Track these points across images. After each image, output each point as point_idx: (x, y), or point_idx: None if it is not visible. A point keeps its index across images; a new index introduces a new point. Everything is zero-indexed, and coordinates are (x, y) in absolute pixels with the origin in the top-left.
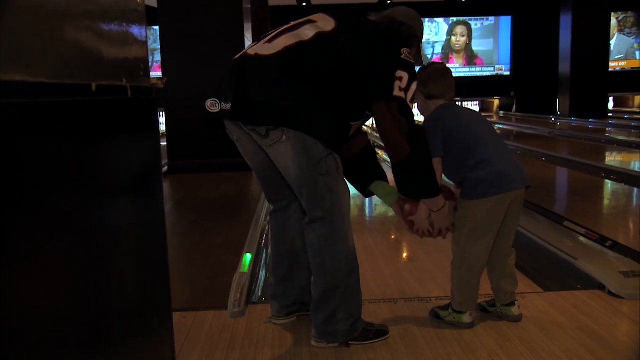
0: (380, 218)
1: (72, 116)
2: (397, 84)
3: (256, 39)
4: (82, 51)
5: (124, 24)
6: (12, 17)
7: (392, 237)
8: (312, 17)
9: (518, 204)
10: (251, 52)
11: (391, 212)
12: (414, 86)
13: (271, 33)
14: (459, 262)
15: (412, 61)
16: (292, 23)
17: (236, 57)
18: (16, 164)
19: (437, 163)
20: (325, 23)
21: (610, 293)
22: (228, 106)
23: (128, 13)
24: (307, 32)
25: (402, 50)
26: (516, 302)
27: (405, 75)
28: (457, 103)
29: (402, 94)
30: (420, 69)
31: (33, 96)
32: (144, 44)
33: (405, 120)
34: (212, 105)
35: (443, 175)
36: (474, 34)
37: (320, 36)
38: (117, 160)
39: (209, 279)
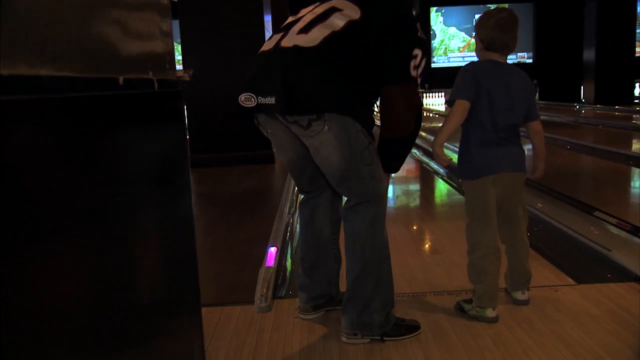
0: (403, 209)
1: (99, 110)
2: (412, 62)
3: (278, 29)
4: (108, 43)
5: (150, 16)
6: (37, 8)
7: (415, 227)
8: (335, 4)
9: (514, 188)
10: (288, 44)
11: (414, 203)
12: (424, 62)
13: (298, 22)
14: (472, 248)
15: (425, 38)
16: (316, 10)
17: (266, 49)
18: (42, 160)
19: (462, 106)
20: (352, 11)
21: None
22: (266, 100)
23: (154, 4)
24: (338, 22)
25: (417, 27)
26: (520, 289)
27: (419, 53)
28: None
29: (415, 73)
30: (486, 12)
31: (60, 91)
32: (169, 36)
33: (414, 100)
34: (247, 100)
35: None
36: None
37: (351, 25)
38: (144, 154)
39: (235, 274)
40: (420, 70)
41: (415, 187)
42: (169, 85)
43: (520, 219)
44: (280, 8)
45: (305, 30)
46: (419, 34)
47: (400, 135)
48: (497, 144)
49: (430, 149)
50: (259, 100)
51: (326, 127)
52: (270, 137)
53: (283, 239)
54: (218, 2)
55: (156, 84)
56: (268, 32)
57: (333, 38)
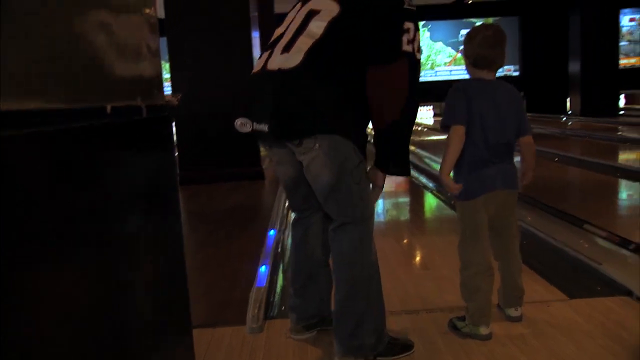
0: (393, 223)
1: (87, 141)
2: (405, 37)
3: (266, 45)
4: (96, 70)
5: (138, 39)
6: (22, 40)
7: (405, 241)
8: (312, 6)
9: (506, 206)
10: (273, 66)
11: (404, 216)
12: (418, 35)
13: (282, 37)
14: (464, 266)
15: (415, 8)
16: (297, 19)
17: (256, 71)
18: (32, 194)
19: (459, 131)
20: (329, 8)
21: (638, 299)
22: (260, 127)
23: (141, 27)
24: (317, 29)
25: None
26: (513, 305)
27: (411, 26)
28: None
29: (410, 48)
30: (473, 29)
31: (48, 124)
32: (157, 57)
33: (407, 82)
34: (242, 125)
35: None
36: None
37: (331, 26)
38: (133, 180)
39: (226, 292)
40: (416, 44)
41: (404, 200)
42: (158, 110)
43: (512, 236)
44: (267, 24)
45: (287, 47)
46: (405, 5)
47: (389, 119)
48: (490, 163)
49: (420, 164)
50: (254, 126)
51: (317, 145)
52: (269, 152)
53: (274, 257)
54: (205, 18)
55: (144, 111)
56: (256, 48)
57: (315, 49)
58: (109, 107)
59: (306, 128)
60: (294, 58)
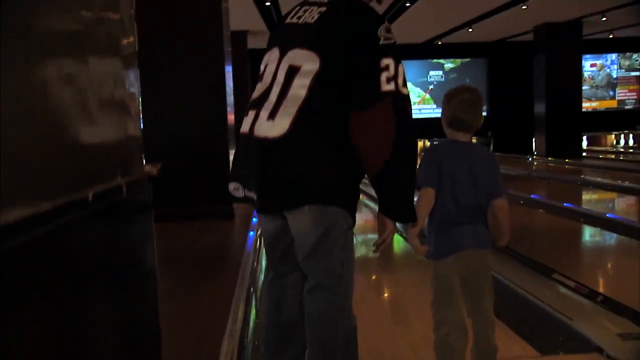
0: (360, 264)
1: (70, 234)
2: (384, 75)
3: (250, 102)
4: (76, 156)
5: (118, 112)
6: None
7: (374, 280)
8: (292, 61)
9: (478, 266)
10: (260, 133)
11: (372, 257)
12: (401, 68)
13: (266, 99)
14: (437, 325)
15: (393, 40)
16: (278, 78)
17: (244, 132)
18: (21, 295)
19: (429, 194)
20: (310, 62)
21: (608, 356)
22: (251, 194)
23: (121, 83)
24: (301, 88)
25: (379, 34)
26: None
27: (390, 62)
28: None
29: (391, 86)
30: (450, 91)
31: (28, 231)
32: (137, 120)
33: (391, 124)
34: (235, 189)
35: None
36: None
37: (315, 83)
38: (111, 254)
39: (195, 345)
40: (400, 79)
41: (373, 238)
42: (138, 185)
43: (485, 295)
44: (240, 58)
45: (273, 113)
46: (382, 41)
47: (377, 166)
48: (461, 223)
49: None
50: (246, 192)
51: (306, 208)
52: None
53: (246, 306)
54: (179, 52)
55: (125, 189)
56: (229, 82)
57: (301, 114)
58: (90, 195)
59: (295, 201)
60: (280, 125)
